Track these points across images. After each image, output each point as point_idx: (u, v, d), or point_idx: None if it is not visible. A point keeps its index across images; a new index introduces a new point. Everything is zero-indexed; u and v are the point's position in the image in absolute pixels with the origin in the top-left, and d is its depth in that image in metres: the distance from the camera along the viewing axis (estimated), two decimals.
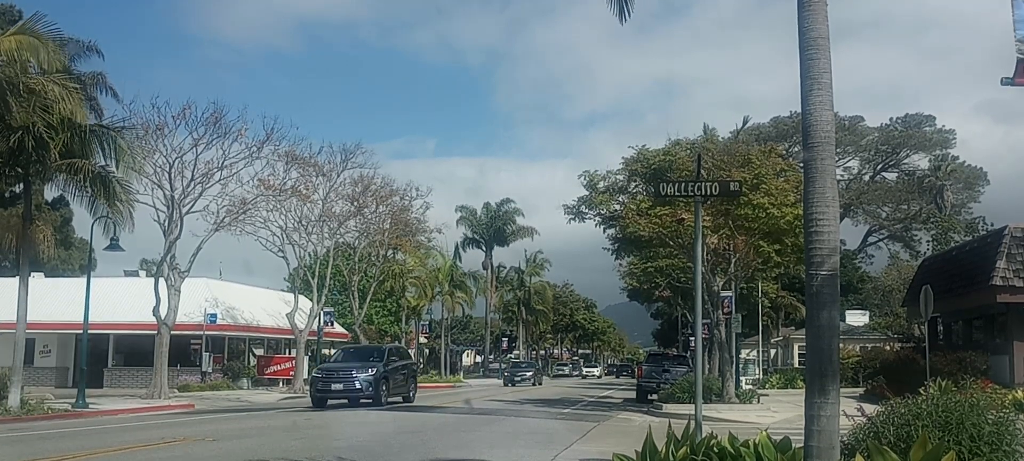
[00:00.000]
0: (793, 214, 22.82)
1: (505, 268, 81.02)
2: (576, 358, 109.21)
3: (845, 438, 7.89)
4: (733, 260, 26.92)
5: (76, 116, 20.90)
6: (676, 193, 14.23)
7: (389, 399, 27.12)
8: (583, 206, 28.31)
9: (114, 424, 20.14)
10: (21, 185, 25.72)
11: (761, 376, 45.88)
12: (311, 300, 40.70)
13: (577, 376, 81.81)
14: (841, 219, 20.50)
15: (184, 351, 39.07)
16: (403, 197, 44.23)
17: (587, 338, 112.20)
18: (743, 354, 47.53)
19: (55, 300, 38.60)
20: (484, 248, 73.82)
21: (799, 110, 7.16)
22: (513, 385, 51.30)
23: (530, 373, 55.83)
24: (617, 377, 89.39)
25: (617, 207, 27.38)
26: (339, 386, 26.33)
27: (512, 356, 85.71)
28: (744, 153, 25.43)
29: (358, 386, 26.05)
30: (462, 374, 68.55)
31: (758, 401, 26.46)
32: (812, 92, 6.93)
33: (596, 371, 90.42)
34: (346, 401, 26.46)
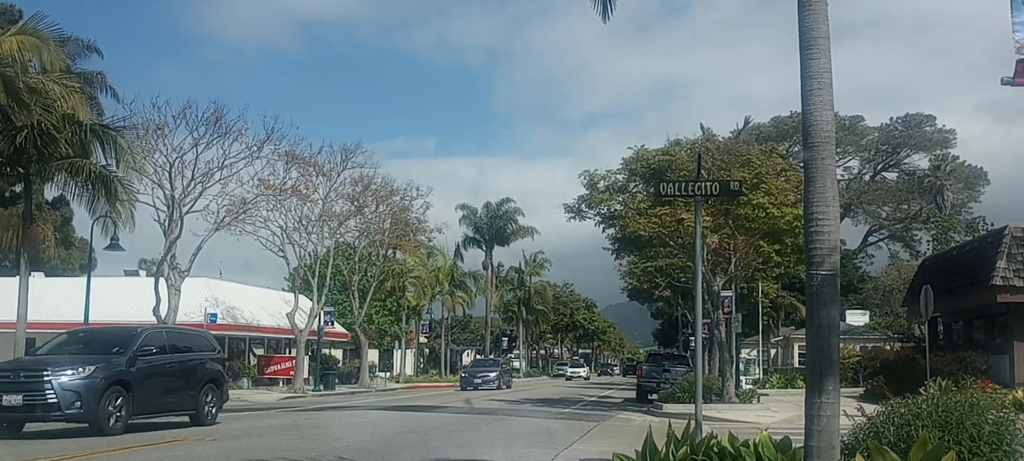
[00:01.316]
0: (793, 214, 22.83)
1: (505, 268, 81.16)
2: (576, 357, 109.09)
3: (845, 438, 7.88)
4: (733, 260, 26.93)
5: (78, 114, 20.96)
6: (676, 193, 14.24)
7: (135, 418, 16.56)
8: (583, 205, 28.32)
9: None
10: (21, 185, 25.74)
11: (761, 376, 45.91)
12: (311, 300, 40.72)
13: (571, 378, 74.11)
14: (841, 219, 20.53)
15: None
16: (403, 197, 44.31)
17: (587, 338, 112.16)
18: (743, 354, 47.58)
19: (55, 299, 38.64)
20: (484, 248, 73.91)
21: (799, 110, 7.16)
22: (473, 388, 42.46)
23: (493, 374, 44.56)
24: (624, 375, 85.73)
25: (617, 206, 27.39)
26: (15, 398, 15.17)
27: (512, 355, 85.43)
28: (744, 153, 25.44)
29: (52, 399, 15.16)
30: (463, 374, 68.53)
31: (758, 401, 26.47)
32: (812, 92, 6.93)
33: (582, 372, 79.98)
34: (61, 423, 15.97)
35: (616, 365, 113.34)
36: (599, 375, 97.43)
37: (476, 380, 43.70)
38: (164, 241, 31.13)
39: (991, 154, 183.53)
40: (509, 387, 45.25)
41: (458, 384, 46.46)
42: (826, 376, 6.61)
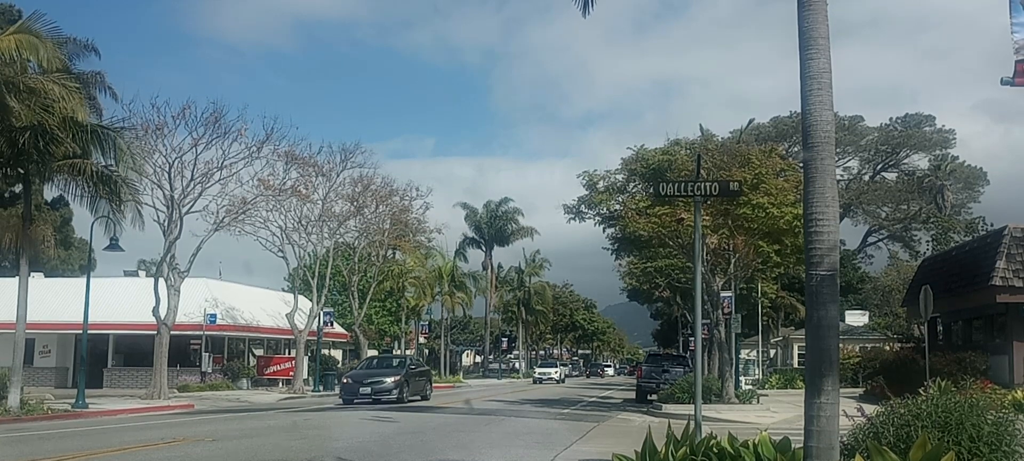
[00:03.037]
0: (793, 214, 22.82)
1: (505, 268, 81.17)
2: (576, 357, 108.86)
3: (845, 438, 7.88)
4: (733, 260, 26.92)
5: (77, 115, 20.91)
6: (676, 193, 14.22)
7: None
8: (583, 206, 28.34)
9: (114, 424, 20.12)
10: (21, 185, 25.71)
11: (761, 376, 45.88)
12: (311, 300, 40.70)
13: (542, 382, 61.04)
14: (841, 219, 20.52)
15: (184, 351, 39.08)
16: (403, 197, 44.30)
17: (587, 338, 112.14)
18: (743, 354, 47.57)
19: (55, 300, 38.62)
20: (484, 248, 73.90)
21: (799, 110, 7.16)
22: (364, 401, 28.37)
23: (391, 380, 29.26)
24: (628, 376, 73.50)
25: (617, 206, 27.39)
26: None
27: (512, 355, 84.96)
28: (744, 153, 25.42)
29: None
30: (462, 374, 68.60)
31: (758, 401, 26.45)
32: (812, 92, 6.93)
33: (554, 372, 65.16)
34: None
35: (609, 365, 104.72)
36: (588, 376, 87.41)
37: (363, 388, 28.91)
38: (163, 241, 31.14)
39: (990, 154, 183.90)
40: (426, 398, 31.80)
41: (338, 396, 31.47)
42: (826, 376, 6.60)
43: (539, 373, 65.66)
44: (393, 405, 27.54)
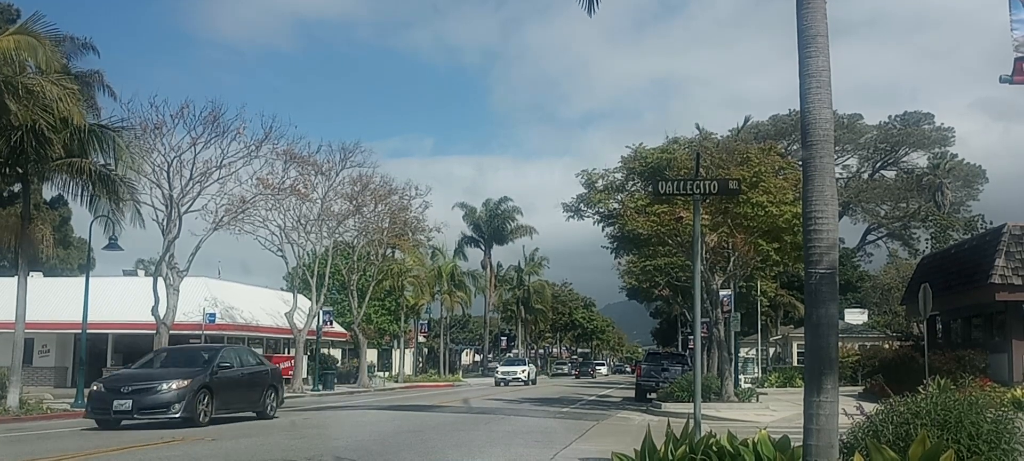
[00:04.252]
0: (792, 212, 22.83)
1: (504, 267, 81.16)
2: (575, 356, 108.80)
3: (844, 436, 7.88)
4: (732, 258, 26.91)
5: (73, 117, 20.88)
6: (675, 191, 14.22)
7: None
8: (582, 204, 28.32)
9: None
10: (20, 184, 25.70)
11: (760, 374, 45.90)
12: (310, 299, 40.68)
13: (507, 382, 49.90)
14: (840, 217, 20.54)
15: None
16: (402, 196, 44.29)
17: (586, 337, 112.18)
18: (742, 353, 47.57)
19: (54, 300, 38.59)
20: (483, 247, 73.93)
21: (798, 108, 7.16)
22: (128, 417, 17.76)
23: (173, 388, 17.80)
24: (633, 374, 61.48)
25: (616, 205, 27.38)
26: None
27: (511, 355, 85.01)
28: (743, 151, 25.41)
29: None
30: (461, 373, 68.58)
31: (757, 400, 26.46)
32: (811, 90, 6.93)
33: (521, 372, 51.82)
34: None
35: (602, 364, 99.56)
36: (577, 376, 78.68)
37: (121, 401, 17.88)
38: (162, 241, 31.10)
39: (990, 152, 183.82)
40: (265, 416, 20.80)
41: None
42: (825, 375, 6.60)
43: (502, 373, 51.85)
44: (177, 428, 17.22)
